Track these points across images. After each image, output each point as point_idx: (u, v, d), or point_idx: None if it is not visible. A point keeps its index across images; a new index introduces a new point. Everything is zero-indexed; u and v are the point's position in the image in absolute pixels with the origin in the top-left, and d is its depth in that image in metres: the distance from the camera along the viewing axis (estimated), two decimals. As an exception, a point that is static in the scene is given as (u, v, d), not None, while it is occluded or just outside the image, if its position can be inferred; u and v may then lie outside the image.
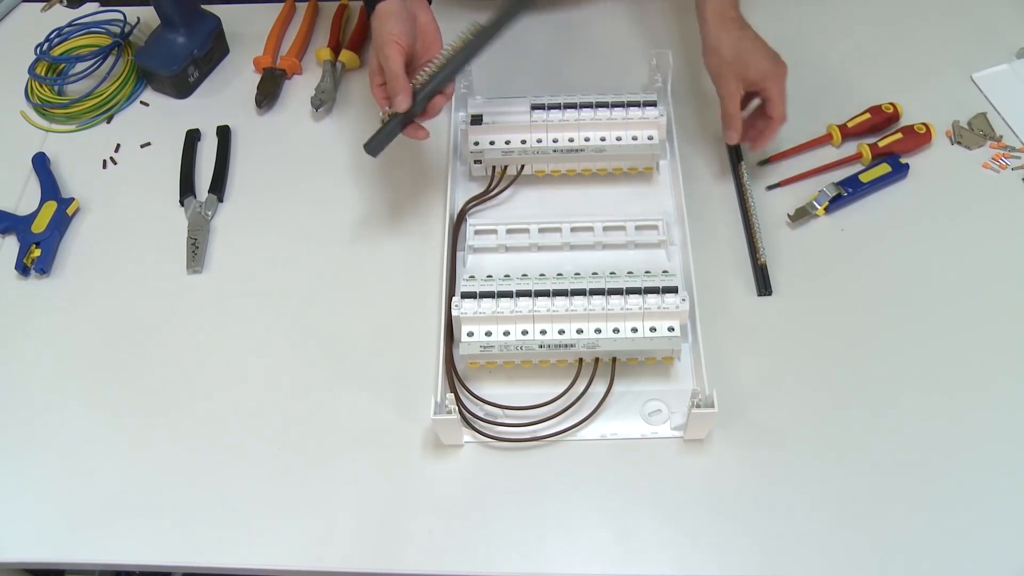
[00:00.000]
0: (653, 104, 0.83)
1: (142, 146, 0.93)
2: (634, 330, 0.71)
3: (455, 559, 0.67)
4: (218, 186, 0.88)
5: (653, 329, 0.71)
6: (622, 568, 0.66)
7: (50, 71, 0.97)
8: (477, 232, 0.82)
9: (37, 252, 0.84)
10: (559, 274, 0.74)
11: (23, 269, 0.83)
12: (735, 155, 0.86)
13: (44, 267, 0.83)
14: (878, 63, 0.93)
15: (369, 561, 0.67)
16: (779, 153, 0.86)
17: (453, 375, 0.73)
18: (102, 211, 0.88)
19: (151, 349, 0.78)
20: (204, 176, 0.90)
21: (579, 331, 0.71)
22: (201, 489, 0.71)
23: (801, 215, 0.82)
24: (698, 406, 0.66)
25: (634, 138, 0.83)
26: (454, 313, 0.72)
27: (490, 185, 0.84)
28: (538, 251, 0.81)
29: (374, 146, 0.74)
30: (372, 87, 0.76)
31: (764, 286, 0.78)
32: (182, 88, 0.96)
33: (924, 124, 0.86)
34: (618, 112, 0.83)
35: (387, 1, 0.74)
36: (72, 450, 0.73)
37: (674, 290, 0.72)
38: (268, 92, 0.94)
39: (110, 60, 0.96)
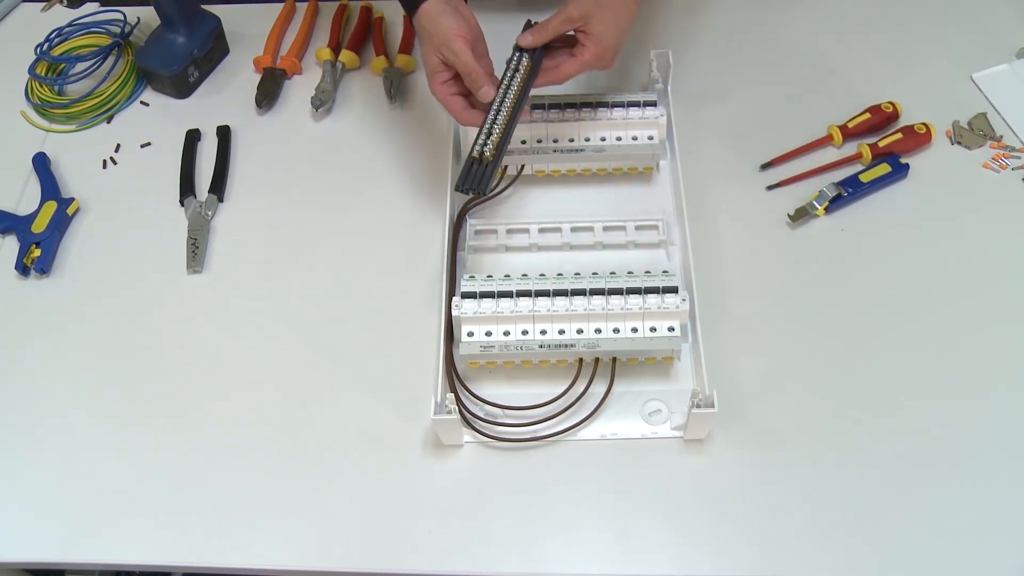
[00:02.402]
0: (653, 104, 0.83)
1: (142, 146, 0.93)
2: (634, 330, 0.71)
3: (455, 559, 0.67)
4: (218, 186, 0.88)
5: (653, 329, 0.71)
6: (622, 568, 0.66)
7: (50, 71, 0.97)
8: (477, 232, 0.82)
9: (37, 252, 0.84)
10: (559, 274, 0.74)
11: (23, 269, 0.83)
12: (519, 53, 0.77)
13: (44, 267, 0.83)
14: (878, 63, 0.93)
15: (369, 561, 0.67)
16: (780, 156, 0.86)
17: (453, 375, 0.73)
18: (102, 211, 0.88)
19: (151, 349, 0.78)
20: (204, 176, 0.90)
21: (579, 331, 0.71)
22: (201, 489, 0.71)
23: (801, 215, 0.82)
24: (698, 406, 0.66)
25: (634, 138, 0.83)
26: (454, 313, 0.72)
27: (490, 185, 0.84)
28: (538, 251, 0.81)
29: (478, 186, 0.72)
30: (434, 86, 0.75)
31: (473, 183, 0.72)
32: (182, 88, 0.96)
33: (924, 124, 0.86)
34: (618, 112, 0.83)
35: (431, 1, 0.73)
36: (72, 450, 0.73)
37: (674, 290, 0.72)
38: (268, 92, 0.94)
39: (110, 60, 0.96)
